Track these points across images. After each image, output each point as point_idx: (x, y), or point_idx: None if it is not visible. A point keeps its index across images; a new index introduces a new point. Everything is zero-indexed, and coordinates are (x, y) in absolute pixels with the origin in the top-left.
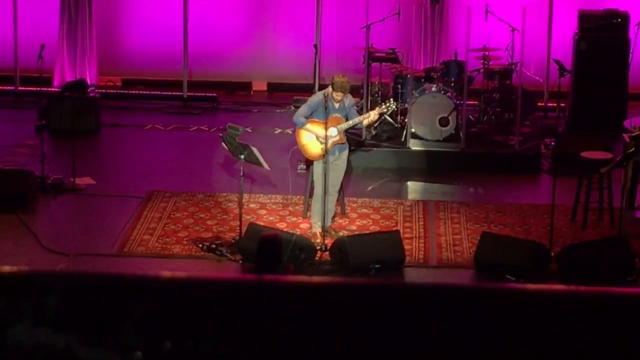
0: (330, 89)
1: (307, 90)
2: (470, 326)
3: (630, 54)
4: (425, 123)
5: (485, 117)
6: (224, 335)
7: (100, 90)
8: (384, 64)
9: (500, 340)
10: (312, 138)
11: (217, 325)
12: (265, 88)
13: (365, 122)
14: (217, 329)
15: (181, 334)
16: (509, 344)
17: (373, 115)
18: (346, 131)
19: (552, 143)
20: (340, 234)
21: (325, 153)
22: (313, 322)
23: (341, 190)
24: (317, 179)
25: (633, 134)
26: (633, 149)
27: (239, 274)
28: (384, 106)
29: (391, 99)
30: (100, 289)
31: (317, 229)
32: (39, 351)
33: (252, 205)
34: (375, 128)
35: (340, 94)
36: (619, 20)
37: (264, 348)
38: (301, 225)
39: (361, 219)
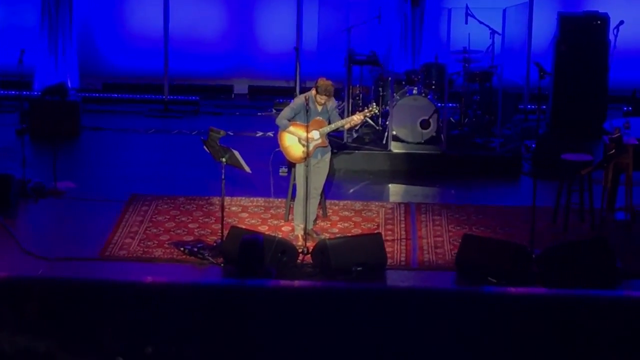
0: (313, 91)
1: (289, 93)
2: (451, 329)
3: (610, 56)
4: (406, 125)
5: (466, 120)
6: (206, 339)
7: (81, 94)
8: (364, 66)
9: (482, 342)
10: (294, 141)
11: (199, 329)
12: (246, 91)
13: (347, 125)
14: (199, 334)
15: (163, 338)
16: (491, 346)
17: (356, 118)
18: (328, 134)
19: (533, 145)
20: (322, 236)
21: (307, 156)
22: (296, 325)
23: (323, 192)
24: (299, 182)
25: (613, 136)
26: (613, 150)
27: (221, 277)
28: (366, 110)
29: (374, 103)
30: (81, 294)
31: (299, 232)
32: (20, 357)
33: (233, 208)
34: (356, 131)
35: (324, 97)
36: (599, 22)
37: (247, 352)
38: (283, 228)
39: (343, 222)
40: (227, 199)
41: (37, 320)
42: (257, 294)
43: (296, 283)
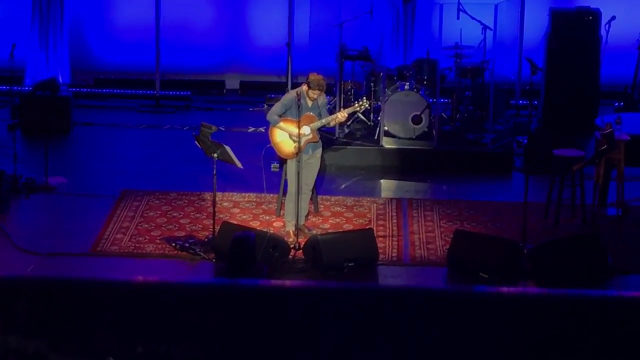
0: (304, 87)
1: (280, 88)
2: (445, 328)
3: (602, 52)
4: (398, 121)
5: (458, 115)
6: (197, 339)
7: (72, 89)
8: (356, 61)
9: (474, 342)
10: (285, 136)
11: (190, 329)
12: (238, 87)
13: (333, 122)
14: (191, 333)
15: (154, 338)
16: (484, 346)
17: (340, 116)
18: (319, 129)
19: (525, 141)
20: (314, 232)
21: (299, 151)
22: (286, 325)
23: (314, 188)
24: (291, 177)
25: (605, 132)
26: (605, 146)
27: (213, 273)
28: (357, 105)
29: (364, 98)
30: (71, 293)
31: (291, 228)
32: (10, 357)
33: (225, 204)
34: (348, 126)
35: (316, 92)
36: (590, 18)
37: (238, 352)
38: (275, 224)
39: (334, 217)
40: (219, 195)
41: (27, 320)
42: (250, 293)
43: (288, 283)
